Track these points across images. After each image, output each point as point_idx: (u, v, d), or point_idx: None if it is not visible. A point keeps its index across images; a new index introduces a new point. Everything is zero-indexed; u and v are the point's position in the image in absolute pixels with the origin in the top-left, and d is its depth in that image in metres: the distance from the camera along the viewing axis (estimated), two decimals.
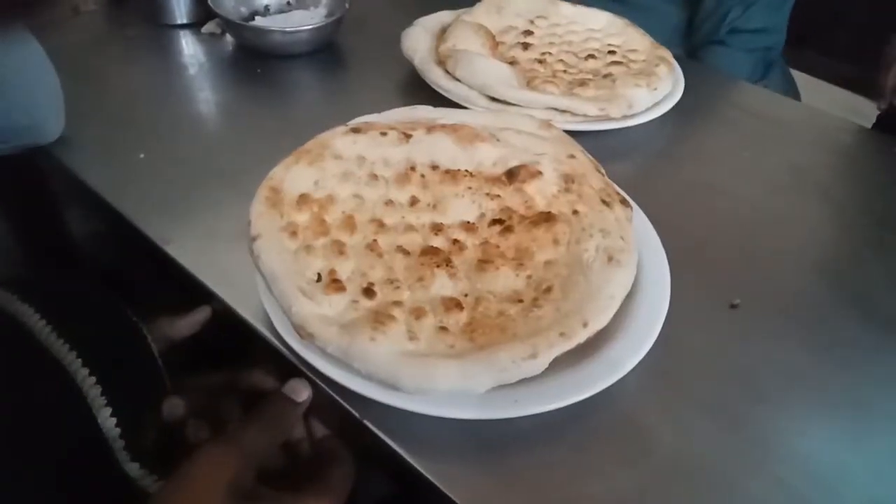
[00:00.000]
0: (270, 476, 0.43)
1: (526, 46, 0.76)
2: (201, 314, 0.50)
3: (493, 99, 0.67)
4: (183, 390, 0.47)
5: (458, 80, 0.69)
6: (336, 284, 0.44)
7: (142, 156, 0.62)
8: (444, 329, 0.42)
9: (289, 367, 0.45)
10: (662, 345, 0.45)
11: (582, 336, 0.42)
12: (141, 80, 0.74)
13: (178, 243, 0.53)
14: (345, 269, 0.45)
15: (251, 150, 0.63)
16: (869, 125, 0.75)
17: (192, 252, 0.53)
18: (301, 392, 0.44)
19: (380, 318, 0.41)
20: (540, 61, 0.74)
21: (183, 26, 0.83)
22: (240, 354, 0.51)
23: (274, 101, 0.72)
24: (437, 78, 0.69)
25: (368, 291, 0.44)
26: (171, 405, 0.44)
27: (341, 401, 0.43)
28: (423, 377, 0.39)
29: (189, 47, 0.80)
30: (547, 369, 0.41)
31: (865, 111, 0.90)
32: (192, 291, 0.51)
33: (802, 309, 0.53)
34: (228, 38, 0.81)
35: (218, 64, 0.78)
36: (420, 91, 0.71)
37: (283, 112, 0.71)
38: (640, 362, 0.44)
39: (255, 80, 0.75)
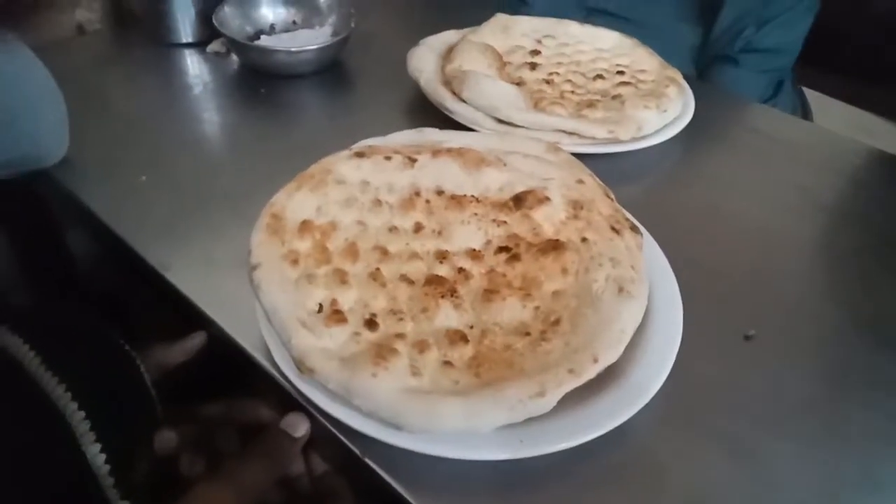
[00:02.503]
0: None
1: (533, 66, 0.75)
2: (196, 340, 0.49)
3: (500, 121, 0.66)
4: (179, 421, 0.46)
5: (464, 101, 0.68)
6: (337, 315, 0.42)
7: (143, 178, 0.61)
8: (448, 364, 0.41)
9: (288, 399, 0.44)
10: (675, 378, 0.44)
11: (592, 372, 0.40)
12: (144, 101, 0.73)
13: (177, 269, 0.52)
14: (347, 299, 0.44)
15: (254, 172, 0.62)
16: (877, 142, 0.73)
17: (191, 278, 0.52)
18: (299, 427, 0.43)
19: (382, 352, 0.40)
20: (547, 82, 0.73)
21: (188, 45, 0.82)
22: (239, 384, 0.50)
23: (278, 123, 0.72)
24: (442, 99, 0.68)
25: (371, 323, 0.43)
26: (164, 438, 0.43)
27: (342, 437, 0.42)
28: (426, 416, 0.37)
29: (194, 67, 0.80)
30: (555, 406, 0.40)
31: (872, 128, 0.89)
32: (190, 318, 0.50)
33: (818, 337, 0.52)
34: (234, 57, 0.80)
35: (222, 84, 0.77)
36: (426, 112, 0.71)
37: (286, 133, 0.70)
38: (653, 396, 0.42)
39: (259, 101, 0.74)
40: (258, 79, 0.77)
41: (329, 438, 0.43)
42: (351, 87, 0.79)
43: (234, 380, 0.50)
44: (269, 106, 0.74)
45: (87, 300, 0.55)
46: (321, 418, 0.42)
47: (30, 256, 0.73)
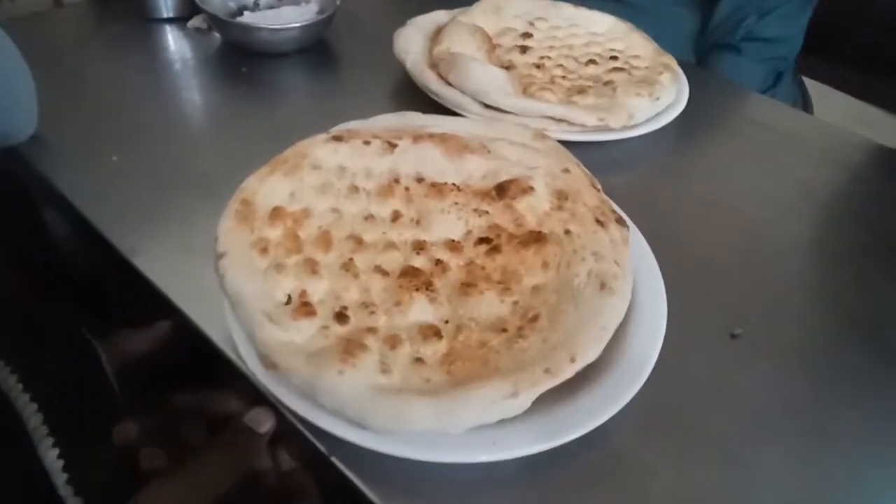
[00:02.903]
0: None
1: (524, 50, 0.73)
2: (159, 329, 0.47)
3: (488, 106, 0.63)
4: (145, 412, 0.44)
5: (451, 85, 0.65)
6: (306, 308, 0.41)
7: (114, 158, 0.59)
8: (419, 361, 0.39)
9: (256, 392, 0.42)
10: (658, 377, 0.42)
11: (569, 372, 0.39)
12: (121, 77, 0.71)
13: (145, 254, 0.50)
14: (317, 291, 0.42)
15: (231, 155, 0.60)
16: (878, 135, 0.71)
17: (159, 265, 0.50)
18: (263, 422, 0.41)
19: (350, 348, 0.38)
20: (538, 66, 0.71)
21: (169, 20, 0.80)
22: (209, 374, 0.48)
23: (259, 103, 0.69)
24: (428, 82, 0.66)
25: (341, 316, 0.41)
26: (123, 431, 0.41)
27: (308, 435, 0.40)
28: (394, 417, 0.36)
29: (174, 43, 0.77)
30: (532, 404, 0.38)
31: (874, 121, 0.86)
32: (158, 307, 0.48)
33: (808, 339, 0.50)
34: (216, 34, 0.78)
35: (202, 62, 0.74)
36: (412, 95, 0.68)
37: (267, 115, 0.68)
38: (635, 395, 0.41)
39: (240, 80, 0.72)
40: (240, 57, 0.75)
41: (296, 435, 0.41)
42: (335, 67, 0.77)
43: (206, 370, 0.48)
44: (251, 85, 0.71)
45: (67, 282, 0.53)
46: (287, 414, 0.40)
47: (11, 238, 0.71)
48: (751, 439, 0.43)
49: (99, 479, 0.40)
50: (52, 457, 0.37)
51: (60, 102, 0.62)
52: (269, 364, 0.38)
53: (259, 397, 0.42)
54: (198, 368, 0.47)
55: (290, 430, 0.41)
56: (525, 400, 0.37)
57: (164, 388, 0.46)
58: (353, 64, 0.77)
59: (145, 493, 0.36)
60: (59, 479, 0.37)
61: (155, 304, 0.48)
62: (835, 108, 1.03)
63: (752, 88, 0.84)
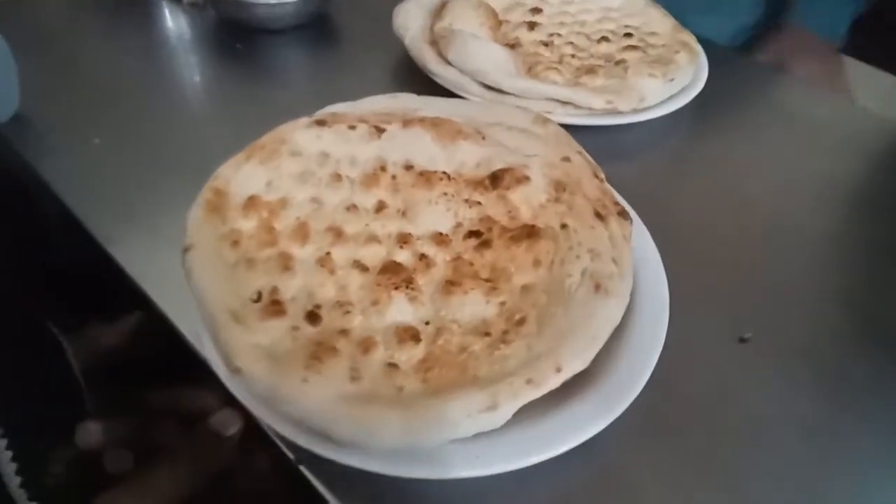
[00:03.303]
0: None
1: (532, 26, 0.69)
2: (132, 322, 0.45)
3: (488, 87, 0.60)
4: (112, 411, 0.43)
5: (450, 64, 0.61)
6: (275, 307, 0.38)
7: (97, 141, 0.57)
8: (393, 367, 0.36)
9: (228, 392, 0.40)
10: (656, 384, 0.39)
11: (554, 383, 0.36)
12: (111, 54, 0.68)
13: (121, 242, 0.48)
14: (289, 288, 0.40)
15: (220, 138, 0.57)
16: None
17: (136, 254, 0.47)
18: (230, 425, 0.39)
19: (319, 353, 0.36)
20: (546, 44, 0.66)
21: None
22: (183, 371, 0.46)
23: (253, 83, 0.66)
24: (426, 61, 0.62)
25: (312, 316, 0.38)
26: (87, 431, 0.39)
27: (277, 441, 0.38)
28: (360, 430, 0.33)
29: (168, 19, 0.74)
30: (516, 414, 0.35)
31: None
32: (132, 299, 0.46)
33: (823, 348, 0.46)
34: (211, 9, 0.74)
35: (197, 38, 0.71)
36: (412, 75, 0.65)
37: (262, 96, 0.65)
38: (630, 405, 0.37)
39: (235, 58, 0.69)
40: (236, 33, 0.71)
41: (265, 440, 0.39)
42: (335, 44, 0.73)
43: (180, 367, 0.46)
44: (246, 64, 0.68)
45: (34, 272, 0.52)
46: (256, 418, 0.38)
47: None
48: (755, 456, 0.39)
49: (57, 484, 0.38)
50: (5, 459, 0.35)
51: (45, 80, 0.60)
52: (233, 368, 0.35)
53: (231, 397, 0.40)
54: (171, 365, 0.45)
55: (259, 434, 0.39)
56: (504, 413, 0.34)
57: (135, 385, 0.44)
58: (353, 41, 0.73)
59: (101, 501, 0.34)
60: (13, 481, 0.35)
61: (128, 296, 0.46)
62: (879, 90, 0.96)
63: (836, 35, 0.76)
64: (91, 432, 0.40)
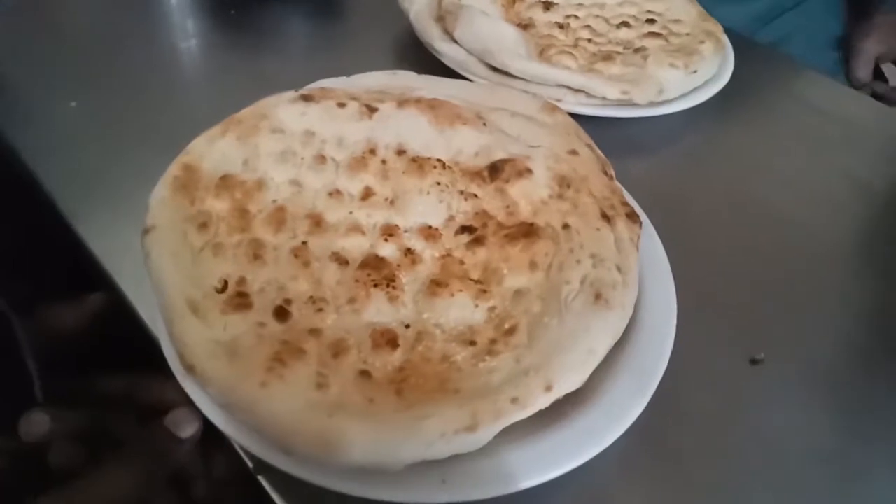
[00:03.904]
0: None
1: (548, 6, 0.64)
2: (91, 304, 0.42)
3: (495, 69, 0.55)
4: (67, 400, 0.39)
5: (456, 42, 0.57)
6: (241, 300, 0.34)
7: (73, 104, 0.53)
8: (365, 374, 0.33)
9: None
10: (657, 404, 0.35)
11: (542, 403, 0.32)
12: (97, 15, 0.64)
13: (87, 218, 0.45)
14: (258, 279, 0.36)
15: (203, 109, 0.53)
16: None
17: (100, 231, 0.44)
18: (186, 426, 0.36)
19: (282, 354, 0.32)
20: (561, 26, 0.62)
21: None
22: (145, 359, 0.42)
23: (244, 52, 0.62)
24: (431, 38, 0.58)
25: (281, 312, 0.35)
26: (33, 422, 0.36)
27: (236, 447, 0.34)
28: (322, 445, 0.29)
29: None
30: (498, 433, 0.32)
31: None
32: (93, 279, 0.42)
33: (843, 371, 0.42)
34: None
35: (188, 1, 0.67)
36: (416, 52, 0.61)
37: (253, 66, 0.61)
38: (624, 432, 0.34)
39: (227, 24, 0.65)
40: None
41: (225, 444, 0.35)
42: (335, 16, 0.69)
43: (141, 354, 0.43)
44: (238, 31, 0.64)
45: (5, 239, 0.48)
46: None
47: None
48: (762, 487, 0.36)
49: None
50: None
51: (26, 38, 0.56)
52: (185, 365, 0.32)
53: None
54: (131, 353, 0.41)
55: (218, 437, 0.36)
56: (483, 435, 0.31)
57: (90, 373, 0.41)
58: (354, 13, 0.69)
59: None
60: None
61: (89, 276, 0.42)
62: None
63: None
64: (37, 423, 0.36)
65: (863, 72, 0.87)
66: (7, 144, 0.49)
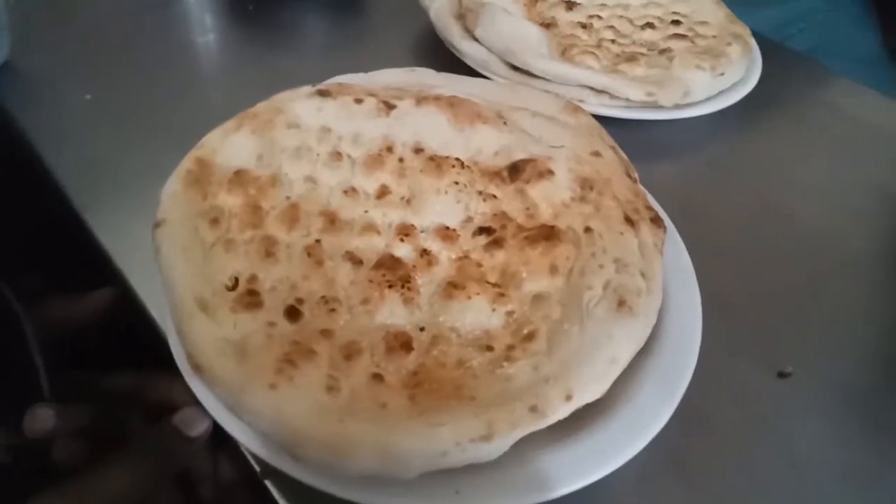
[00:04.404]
0: None
1: (571, 6, 0.63)
2: (100, 298, 0.41)
3: (516, 68, 0.54)
4: (73, 395, 0.38)
5: (477, 40, 0.56)
6: (251, 298, 0.33)
7: (88, 97, 0.52)
8: (378, 378, 0.32)
9: None
10: (679, 418, 0.34)
11: (562, 413, 0.31)
12: (113, 6, 0.64)
13: (98, 211, 0.44)
14: (270, 277, 0.35)
15: (220, 105, 0.52)
16: None
17: (112, 225, 0.43)
18: (195, 425, 0.35)
19: (293, 355, 0.31)
20: (584, 26, 0.60)
21: None
22: (153, 357, 0.42)
23: (261, 48, 0.62)
24: (451, 36, 0.57)
25: (292, 311, 0.34)
26: (37, 417, 0.35)
27: (244, 449, 0.33)
28: (332, 451, 0.28)
29: None
30: (513, 445, 0.30)
31: None
32: (102, 274, 0.42)
33: (875, 384, 0.41)
34: None
35: None
36: (435, 50, 0.60)
37: (267, 61, 0.60)
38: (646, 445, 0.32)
39: (244, 20, 0.64)
40: None
41: (233, 446, 0.34)
42: (353, 12, 0.68)
43: (150, 351, 0.42)
44: (256, 27, 0.64)
45: (15, 229, 0.48)
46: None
47: None
48: None
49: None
50: None
51: (40, 29, 0.55)
52: (193, 364, 0.31)
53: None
54: (140, 349, 0.41)
55: (225, 439, 0.35)
56: (500, 445, 0.29)
57: (98, 369, 0.40)
58: (373, 9, 0.68)
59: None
60: None
61: (99, 271, 0.41)
62: None
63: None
64: (42, 418, 0.35)
65: None
66: (22, 133, 0.49)
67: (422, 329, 0.34)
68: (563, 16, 0.62)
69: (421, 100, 0.44)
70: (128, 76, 0.55)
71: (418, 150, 0.42)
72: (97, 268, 0.42)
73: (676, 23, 0.62)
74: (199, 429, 0.35)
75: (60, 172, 0.46)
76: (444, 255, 0.38)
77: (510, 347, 0.33)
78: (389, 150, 0.42)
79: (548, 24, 0.60)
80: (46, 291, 0.40)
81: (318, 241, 0.37)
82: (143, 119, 0.52)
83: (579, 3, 0.63)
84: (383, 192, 0.40)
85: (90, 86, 0.53)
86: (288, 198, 0.39)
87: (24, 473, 0.35)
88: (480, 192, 0.41)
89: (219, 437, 0.36)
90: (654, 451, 0.32)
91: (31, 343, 0.37)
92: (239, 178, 0.38)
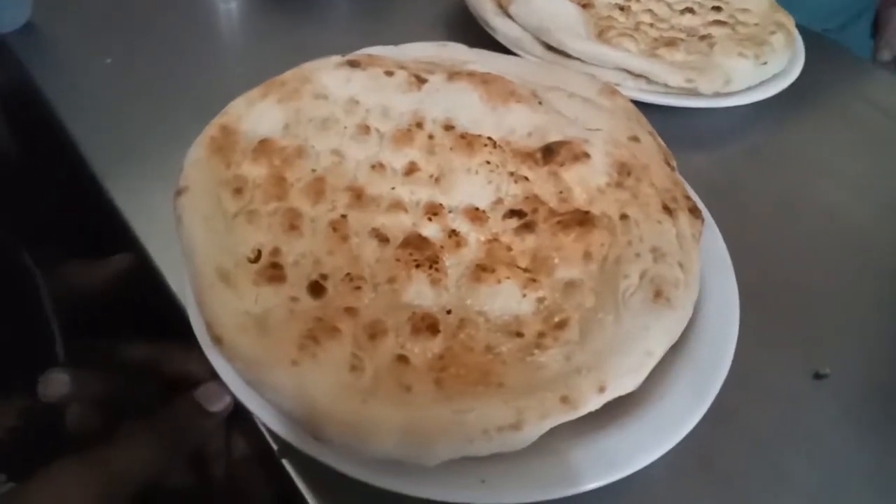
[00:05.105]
0: (174, 496, 0.34)
1: None
2: (118, 264, 0.40)
3: (551, 48, 0.52)
4: (86, 362, 0.37)
5: (511, 18, 0.54)
6: (274, 271, 0.32)
7: (108, 61, 0.51)
8: (403, 360, 0.30)
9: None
10: (711, 416, 0.32)
11: (593, 404, 0.29)
12: None
13: (118, 178, 0.43)
14: (293, 251, 0.34)
15: (242, 75, 0.50)
16: None
17: (132, 192, 0.42)
18: (216, 400, 0.34)
19: (316, 333, 0.30)
20: (622, 8, 0.58)
21: None
22: (170, 327, 0.41)
23: (287, 17, 0.60)
24: (484, 11, 0.55)
25: (316, 287, 0.32)
26: (52, 382, 0.34)
27: (261, 427, 0.32)
28: (354, 433, 0.27)
29: None
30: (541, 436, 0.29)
31: None
32: (120, 240, 0.41)
33: None
34: None
35: None
36: (466, 26, 0.58)
37: (294, 32, 0.58)
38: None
39: None
40: None
41: (249, 422, 0.33)
42: None
43: (167, 321, 0.41)
44: None
45: (13, 195, 0.47)
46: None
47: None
48: None
49: (10, 437, 0.33)
50: None
51: None
52: (213, 335, 0.30)
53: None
54: (157, 319, 0.40)
55: (244, 414, 0.34)
56: (529, 434, 0.28)
57: (114, 336, 0.39)
58: None
59: (41, 477, 0.29)
60: None
61: (116, 237, 0.40)
62: None
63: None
64: (57, 383, 0.34)
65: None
66: (41, 96, 0.48)
67: (448, 312, 0.33)
68: None
69: (453, 75, 0.42)
70: (149, 41, 0.54)
71: (449, 127, 0.41)
72: (116, 236, 0.41)
73: (717, 9, 0.59)
74: (219, 405, 0.34)
75: (81, 137, 0.45)
76: (473, 236, 0.37)
77: (541, 335, 0.32)
78: (419, 125, 0.41)
79: (584, 4, 0.58)
80: (65, 258, 0.39)
81: (343, 216, 0.36)
82: (165, 86, 0.50)
83: None
84: (411, 169, 0.39)
85: (110, 50, 0.52)
86: (314, 170, 0.37)
87: (37, 437, 0.34)
88: (512, 174, 0.39)
89: (233, 415, 0.35)
90: (683, 448, 0.31)
91: (47, 307, 0.36)
92: (264, 147, 0.37)
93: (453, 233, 0.36)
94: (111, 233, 0.41)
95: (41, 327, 0.36)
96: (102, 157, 0.44)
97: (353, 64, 0.41)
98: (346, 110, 0.40)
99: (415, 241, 0.35)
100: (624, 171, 0.39)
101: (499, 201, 0.38)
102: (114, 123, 0.47)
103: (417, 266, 0.34)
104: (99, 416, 0.36)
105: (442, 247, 0.36)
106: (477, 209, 0.38)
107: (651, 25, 0.57)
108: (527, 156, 0.40)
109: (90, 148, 0.45)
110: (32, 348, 0.35)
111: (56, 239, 0.40)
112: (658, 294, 0.33)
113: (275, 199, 0.35)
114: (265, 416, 0.30)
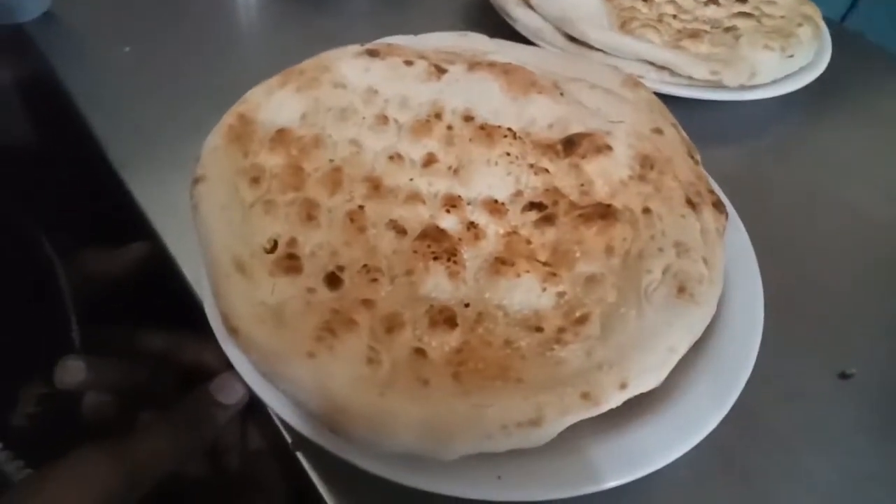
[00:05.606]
0: (187, 488, 0.34)
1: None
2: (135, 252, 0.40)
3: (572, 39, 0.51)
4: (103, 349, 0.37)
5: (532, 8, 0.53)
6: (291, 262, 0.32)
7: (127, 49, 0.51)
8: (420, 353, 0.30)
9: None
10: (734, 414, 0.31)
11: (614, 401, 0.29)
12: None
13: (136, 167, 0.43)
14: (310, 241, 0.33)
15: (261, 65, 0.49)
16: None
17: (149, 181, 0.42)
18: (232, 392, 0.33)
19: (333, 324, 0.29)
20: None
21: None
22: (187, 317, 0.41)
23: (306, 7, 0.60)
24: (506, 2, 0.54)
25: (333, 279, 0.32)
26: (69, 369, 0.34)
27: (276, 419, 0.32)
28: (371, 426, 0.27)
29: None
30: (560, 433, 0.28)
31: None
32: (137, 230, 0.40)
33: None
34: None
35: None
36: (486, 16, 0.57)
37: (313, 21, 0.58)
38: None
39: None
40: None
41: (264, 414, 0.33)
42: None
43: (184, 310, 0.41)
44: None
45: (33, 183, 0.47)
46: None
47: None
48: None
49: (27, 424, 0.33)
50: None
51: None
52: (229, 326, 0.30)
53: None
54: (172, 309, 0.40)
55: (259, 406, 0.33)
56: (549, 430, 0.28)
57: (131, 324, 0.39)
58: None
59: (61, 463, 0.28)
60: None
61: (134, 226, 0.40)
62: None
63: None
64: (73, 370, 0.34)
65: None
66: (60, 84, 0.48)
67: (467, 305, 0.33)
68: None
69: (474, 65, 0.42)
70: (168, 30, 0.54)
71: (468, 118, 0.40)
72: (133, 225, 0.41)
73: (742, 0, 0.58)
74: (235, 397, 0.33)
75: (98, 126, 0.45)
76: (492, 229, 0.36)
77: (561, 330, 0.31)
78: (438, 116, 0.40)
79: None
80: (82, 246, 0.39)
81: (360, 207, 0.35)
82: (182, 74, 0.50)
83: None
84: (430, 161, 0.38)
85: (129, 38, 0.52)
86: (331, 161, 0.37)
87: (53, 424, 0.34)
88: (532, 166, 0.39)
89: (249, 406, 0.35)
90: (704, 447, 0.30)
91: (65, 294, 0.36)
92: (281, 136, 0.37)
93: (472, 225, 0.36)
94: (129, 221, 0.41)
95: (58, 314, 0.36)
96: (120, 145, 0.44)
97: (373, 53, 0.41)
98: (364, 100, 0.39)
99: (433, 234, 0.35)
100: (647, 164, 0.38)
101: (518, 193, 0.38)
102: (132, 112, 0.46)
103: (435, 258, 0.33)
104: (115, 404, 0.36)
105: (460, 239, 0.35)
106: (496, 201, 0.37)
107: (674, 17, 0.56)
108: (547, 147, 0.39)
109: (108, 136, 0.45)
110: (49, 335, 0.35)
111: (74, 227, 0.40)
112: (681, 290, 0.32)
113: (292, 189, 0.35)
114: (280, 408, 0.29)
